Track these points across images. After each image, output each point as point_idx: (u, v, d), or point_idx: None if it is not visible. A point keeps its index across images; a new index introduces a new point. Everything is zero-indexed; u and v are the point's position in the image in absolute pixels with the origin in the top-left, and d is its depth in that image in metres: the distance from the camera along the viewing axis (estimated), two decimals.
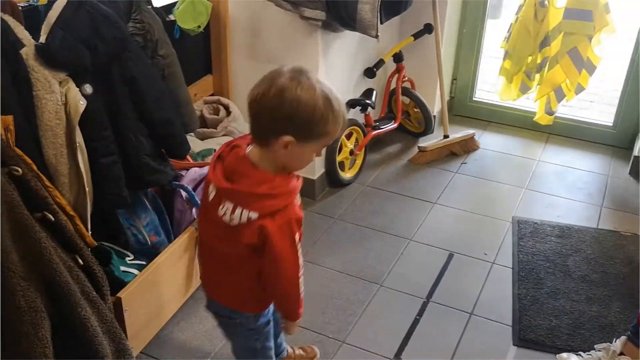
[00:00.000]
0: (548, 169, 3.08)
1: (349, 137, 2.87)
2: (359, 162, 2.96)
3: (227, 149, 1.38)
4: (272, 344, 1.63)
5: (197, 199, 2.04)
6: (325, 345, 2.00)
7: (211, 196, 1.36)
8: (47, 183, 1.53)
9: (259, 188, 1.29)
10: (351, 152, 2.88)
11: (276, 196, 1.30)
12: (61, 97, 1.55)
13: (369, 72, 2.92)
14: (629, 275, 2.32)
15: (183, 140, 1.92)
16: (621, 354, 1.87)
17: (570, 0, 2.95)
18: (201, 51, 2.58)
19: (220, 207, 1.32)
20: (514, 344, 2.03)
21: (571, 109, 3.65)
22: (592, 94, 3.97)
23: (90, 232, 1.66)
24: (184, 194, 2.04)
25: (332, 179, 2.83)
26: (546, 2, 3.00)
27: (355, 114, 2.91)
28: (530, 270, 2.34)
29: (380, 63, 2.94)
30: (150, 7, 1.90)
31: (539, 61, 3.14)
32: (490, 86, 3.71)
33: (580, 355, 1.92)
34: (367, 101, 2.84)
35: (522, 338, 2.04)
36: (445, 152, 3.15)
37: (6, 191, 1.34)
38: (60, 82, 1.56)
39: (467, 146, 3.21)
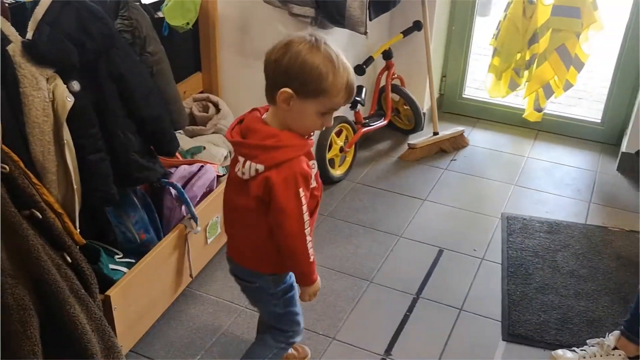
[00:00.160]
0: (537, 165, 3.09)
1: (338, 134, 2.88)
2: (349, 159, 2.96)
3: (247, 113, 1.46)
4: (297, 309, 1.64)
5: (187, 196, 2.03)
6: (315, 342, 2.00)
7: (231, 157, 1.47)
8: (35, 180, 1.53)
9: (265, 141, 1.36)
10: (341, 149, 2.88)
11: (280, 148, 1.35)
12: (48, 94, 1.54)
13: (359, 69, 2.92)
14: (616, 270, 2.34)
15: (172, 137, 1.91)
16: (615, 348, 1.89)
17: None
18: (190, 48, 2.57)
19: (237, 164, 1.41)
20: (503, 339, 2.04)
21: (560, 106, 3.67)
22: (580, 91, 3.99)
23: (78, 230, 1.65)
24: (173, 191, 2.04)
25: (322, 176, 2.82)
26: (534, 0, 3.01)
27: (344, 111, 2.91)
28: (519, 266, 2.36)
29: (369, 60, 2.94)
30: (138, 3, 1.89)
31: (527, 58, 3.16)
32: (480, 83, 3.73)
33: (574, 351, 1.93)
34: (357, 98, 2.84)
35: (512, 333, 2.06)
36: (435, 149, 3.16)
37: None
38: (47, 79, 1.55)
39: (457, 143, 3.23)
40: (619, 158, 3.05)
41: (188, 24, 2.19)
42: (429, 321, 2.11)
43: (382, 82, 3.13)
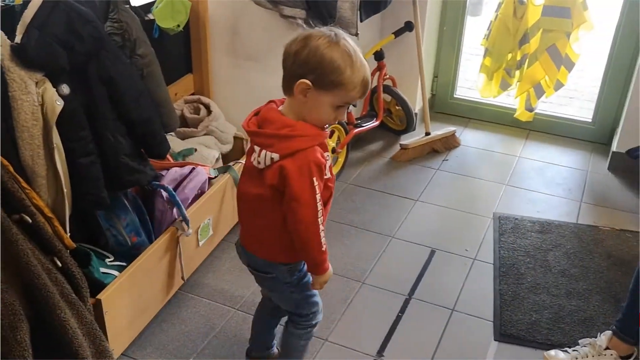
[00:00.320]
0: (528, 165, 3.10)
1: (330, 135, 2.88)
2: (341, 160, 2.96)
3: (264, 105, 1.50)
4: (313, 291, 1.66)
5: (178, 198, 2.03)
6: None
7: (247, 147, 1.50)
8: (24, 185, 1.52)
9: (281, 130, 1.40)
10: (333, 150, 2.88)
11: (295, 137, 1.39)
12: (38, 97, 1.53)
13: None
14: (607, 270, 2.35)
15: (162, 139, 1.91)
16: (607, 348, 1.89)
17: None
18: (181, 50, 2.57)
19: (253, 153, 1.45)
20: (495, 339, 2.04)
21: (551, 105, 3.69)
22: (571, 90, 4.01)
23: (69, 234, 1.65)
24: (164, 194, 2.03)
25: None
26: (525, 0, 3.02)
27: None
28: (511, 266, 2.36)
29: None
30: (128, 6, 1.89)
31: (518, 58, 3.17)
32: (471, 83, 3.74)
33: (566, 351, 1.94)
34: None
35: (503, 333, 2.06)
36: (427, 149, 3.17)
37: None
38: (36, 83, 1.54)
39: (449, 143, 3.23)
40: (609, 157, 3.07)
41: (179, 26, 2.19)
42: (421, 322, 2.11)
43: (374, 83, 3.13)
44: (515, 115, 3.34)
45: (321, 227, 1.46)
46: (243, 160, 2.43)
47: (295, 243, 1.48)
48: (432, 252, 2.45)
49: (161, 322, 2.06)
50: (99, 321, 1.69)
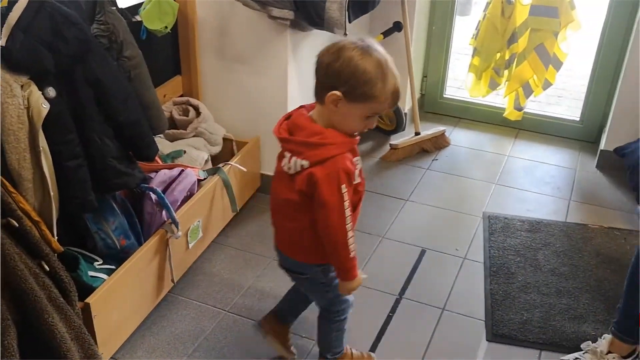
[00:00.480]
0: (518, 164, 3.12)
1: None
2: None
3: (295, 110, 1.53)
4: None
5: (167, 201, 2.02)
6: (298, 344, 2.00)
7: (279, 151, 1.54)
8: (11, 189, 1.51)
9: (311, 138, 1.43)
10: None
11: (325, 145, 1.42)
12: (23, 100, 1.52)
13: None
14: (596, 268, 2.36)
15: (151, 142, 1.90)
16: (608, 352, 1.86)
17: None
18: (170, 52, 2.56)
19: (283, 159, 1.49)
20: (487, 339, 2.05)
21: (540, 105, 3.71)
22: (560, 90, 4.03)
23: (56, 238, 1.64)
24: (153, 196, 2.02)
25: None
26: (512, 0, 3.04)
27: None
28: (502, 265, 2.37)
29: None
30: (114, 8, 1.87)
31: (507, 57, 3.18)
32: (460, 83, 3.74)
33: None
34: None
35: (495, 333, 2.06)
36: (417, 149, 3.17)
37: None
38: (22, 86, 1.53)
39: (438, 143, 3.24)
40: (597, 156, 3.09)
41: (166, 27, 2.18)
42: (412, 321, 2.11)
43: None
44: (504, 115, 3.35)
45: (350, 234, 1.48)
46: (232, 162, 2.42)
47: (325, 247, 1.52)
48: (423, 252, 2.45)
49: (151, 325, 2.05)
50: (87, 325, 1.68)
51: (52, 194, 1.61)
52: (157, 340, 2.00)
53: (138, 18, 2.13)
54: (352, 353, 1.90)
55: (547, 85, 3.21)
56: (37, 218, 1.56)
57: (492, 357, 1.99)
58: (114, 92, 1.71)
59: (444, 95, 3.57)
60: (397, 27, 3.01)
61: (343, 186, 1.43)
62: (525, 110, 3.34)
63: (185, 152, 2.37)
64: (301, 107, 1.53)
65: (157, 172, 2.14)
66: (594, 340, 1.95)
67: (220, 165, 2.40)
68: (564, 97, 4.02)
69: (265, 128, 2.64)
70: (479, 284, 2.29)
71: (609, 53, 3.05)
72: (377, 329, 2.07)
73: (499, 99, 3.44)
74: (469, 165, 3.10)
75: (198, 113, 2.54)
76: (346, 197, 1.44)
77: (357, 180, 1.50)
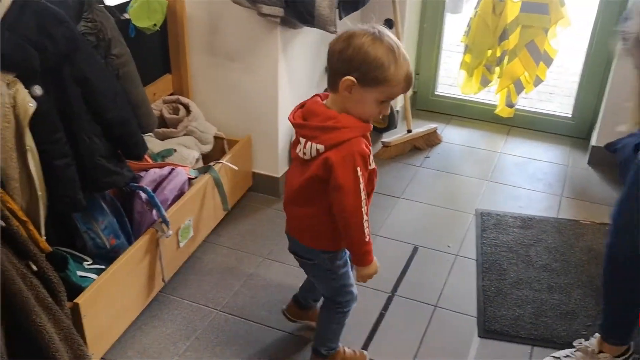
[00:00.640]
0: (510, 160, 3.12)
1: None
2: None
3: (309, 98, 1.54)
4: (351, 281, 1.74)
5: (157, 200, 2.01)
6: (290, 342, 1.99)
7: (293, 138, 1.57)
8: None
9: (325, 122, 1.45)
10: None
11: (340, 128, 1.44)
12: (9, 99, 1.50)
13: None
14: (588, 263, 2.36)
15: (140, 140, 1.88)
16: (600, 352, 1.85)
17: None
18: (159, 50, 2.54)
19: (298, 145, 1.51)
20: (479, 336, 2.04)
21: (531, 101, 3.71)
22: (552, 86, 4.04)
23: (45, 237, 1.62)
24: (143, 195, 2.01)
25: None
26: None
27: None
28: (494, 262, 2.37)
29: None
30: (102, 5, 1.86)
31: (498, 54, 3.18)
32: (452, 80, 3.74)
33: (559, 359, 1.91)
34: None
35: (487, 329, 2.06)
36: (409, 146, 3.17)
37: None
38: (8, 84, 1.51)
39: (430, 140, 3.24)
40: (589, 152, 3.09)
41: (155, 25, 2.16)
42: (404, 319, 2.11)
43: None
44: (496, 112, 3.35)
45: (365, 217, 1.50)
46: (224, 160, 2.41)
47: (340, 231, 1.54)
48: (415, 249, 2.45)
49: (142, 324, 2.03)
50: (77, 325, 1.66)
51: (39, 193, 1.59)
52: (148, 340, 1.99)
53: (127, 16, 2.12)
54: (344, 351, 1.90)
55: (538, 81, 3.21)
56: (24, 218, 1.54)
57: (484, 353, 1.98)
58: (102, 90, 1.70)
59: (436, 93, 3.57)
60: (388, 24, 3.00)
61: (358, 169, 1.45)
62: (516, 107, 3.34)
63: (175, 150, 2.36)
64: (315, 95, 1.55)
65: (147, 171, 2.12)
66: (587, 338, 1.95)
67: (211, 163, 2.39)
68: (555, 93, 4.03)
69: (257, 126, 2.63)
70: (471, 280, 2.29)
71: (599, 49, 3.06)
72: (369, 326, 2.07)
73: (491, 96, 3.44)
74: (461, 163, 3.10)
75: (188, 111, 2.52)
76: (362, 180, 1.46)
77: (372, 165, 1.52)
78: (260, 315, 2.10)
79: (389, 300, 2.19)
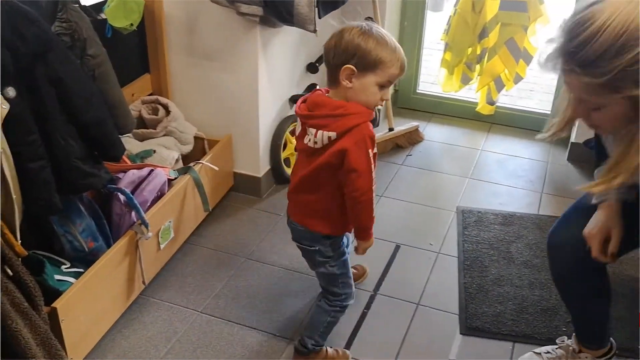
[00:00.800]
0: (491, 158, 3.13)
1: (293, 133, 2.86)
2: None
3: (310, 93, 1.62)
4: (349, 273, 1.83)
5: (136, 201, 1.99)
6: (272, 343, 1.99)
7: (298, 131, 1.64)
8: None
9: (335, 111, 1.53)
10: (296, 149, 2.86)
11: (350, 115, 1.52)
12: None
13: (312, 67, 2.91)
14: None
15: (117, 141, 1.86)
16: (580, 351, 1.84)
17: None
18: (138, 50, 2.52)
19: (306, 136, 1.58)
20: (460, 333, 2.05)
21: (512, 99, 3.73)
22: (532, 83, 4.06)
23: (20, 241, 1.60)
24: (121, 197, 1.99)
25: (278, 176, 2.81)
26: None
27: None
28: (475, 259, 2.38)
29: (322, 58, 2.92)
30: (77, 5, 1.83)
31: (478, 52, 3.20)
32: (433, 78, 3.75)
33: (540, 355, 1.92)
34: None
35: (469, 326, 2.07)
36: (391, 144, 3.17)
37: None
38: None
39: (412, 138, 3.24)
40: (568, 148, 3.12)
41: (132, 25, 2.14)
42: (386, 317, 2.11)
43: None
44: (477, 109, 3.37)
45: (374, 195, 1.62)
46: (204, 161, 2.39)
47: (349, 210, 1.64)
48: (397, 247, 2.45)
49: (122, 328, 2.01)
50: (55, 330, 1.64)
51: (14, 196, 1.56)
52: (128, 343, 1.97)
53: (103, 16, 2.09)
54: (327, 351, 1.90)
55: (518, 79, 3.23)
56: None
57: (466, 350, 1.99)
58: (77, 91, 1.68)
59: (417, 91, 3.58)
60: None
61: (369, 151, 1.55)
62: (497, 104, 3.36)
63: (155, 151, 2.34)
64: (316, 89, 1.63)
65: (125, 172, 2.10)
66: (569, 335, 1.95)
67: (191, 164, 2.37)
68: (535, 90, 4.05)
69: (237, 126, 2.61)
70: (453, 278, 2.30)
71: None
72: (352, 325, 2.06)
73: (472, 93, 3.46)
74: (443, 160, 3.11)
75: (168, 112, 2.50)
76: (372, 161, 1.56)
77: (375, 149, 1.60)
78: (242, 317, 2.09)
79: (372, 298, 2.19)
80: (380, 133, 3.16)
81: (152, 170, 2.15)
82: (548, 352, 1.91)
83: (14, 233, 1.58)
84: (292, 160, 2.88)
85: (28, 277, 1.54)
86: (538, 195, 2.82)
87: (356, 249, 1.78)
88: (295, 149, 1.77)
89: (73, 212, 1.85)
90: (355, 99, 1.53)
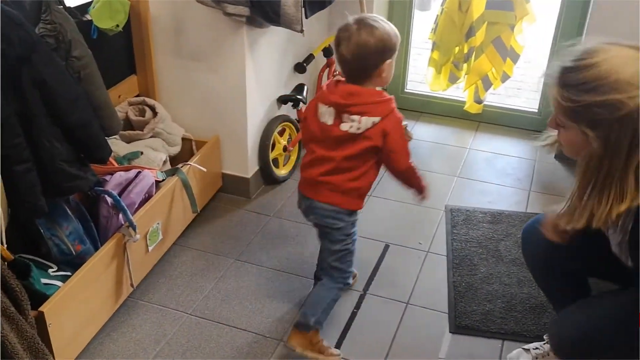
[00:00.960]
0: (479, 156, 3.14)
1: (281, 133, 2.85)
2: (293, 158, 2.95)
3: (328, 87, 1.79)
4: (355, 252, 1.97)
5: (123, 204, 1.97)
6: (262, 344, 1.98)
7: (329, 121, 1.76)
8: None
9: (375, 98, 1.72)
10: (285, 149, 2.86)
11: (386, 101, 1.74)
12: None
13: (299, 67, 2.91)
14: None
15: (102, 144, 1.85)
16: None
17: None
18: (124, 51, 2.50)
19: (343, 123, 1.73)
20: (450, 331, 2.06)
21: (499, 97, 3.75)
22: (519, 82, 4.08)
23: (5, 245, 1.58)
24: (109, 199, 1.97)
25: (267, 177, 2.81)
26: None
27: (287, 109, 2.89)
28: (464, 257, 2.39)
29: (310, 58, 2.93)
30: (61, 7, 1.81)
31: (465, 51, 3.21)
32: (421, 77, 3.76)
33: (529, 351, 1.92)
34: (299, 97, 2.82)
35: (458, 325, 2.08)
36: None
37: None
38: None
39: None
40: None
41: (117, 26, 2.13)
42: (376, 317, 2.11)
43: (324, 80, 3.12)
44: (464, 108, 3.38)
45: (413, 164, 1.82)
46: (192, 162, 2.38)
47: (399, 182, 1.88)
48: (386, 247, 2.46)
49: (110, 331, 2.00)
50: (42, 334, 1.63)
51: None
52: (117, 346, 1.96)
53: (88, 17, 2.07)
54: (322, 340, 1.91)
55: (505, 77, 3.25)
56: None
57: (456, 349, 2.00)
58: (62, 93, 1.66)
59: (405, 90, 3.59)
60: None
61: (403, 132, 1.77)
62: (485, 103, 3.37)
63: (142, 153, 2.33)
64: (337, 80, 1.77)
65: (112, 174, 2.09)
66: None
67: (179, 165, 2.36)
68: (522, 89, 4.08)
69: (225, 127, 2.61)
70: (442, 276, 2.30)
71: (564, 44, 3.09)
72: (342, 325, 2.07)
73: (459, 92, 3.47)
74: (431, 159, 3.12)
75: (155, 113, 2.49)
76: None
77: None
78: (231, 318, 2.08)
79: (361, 298, 2.19)
80: None
81: (139, 172, 2.14)
82: (537, 348, 1.92)
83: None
84: (281, 161, 2.88)
85: (14, 281, 1.53)
86: (526, 193, 2.83)
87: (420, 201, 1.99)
88: (309, 140, 1.86)
89: (60, 215, 1.84)
90: (381, 82, 1.74)
